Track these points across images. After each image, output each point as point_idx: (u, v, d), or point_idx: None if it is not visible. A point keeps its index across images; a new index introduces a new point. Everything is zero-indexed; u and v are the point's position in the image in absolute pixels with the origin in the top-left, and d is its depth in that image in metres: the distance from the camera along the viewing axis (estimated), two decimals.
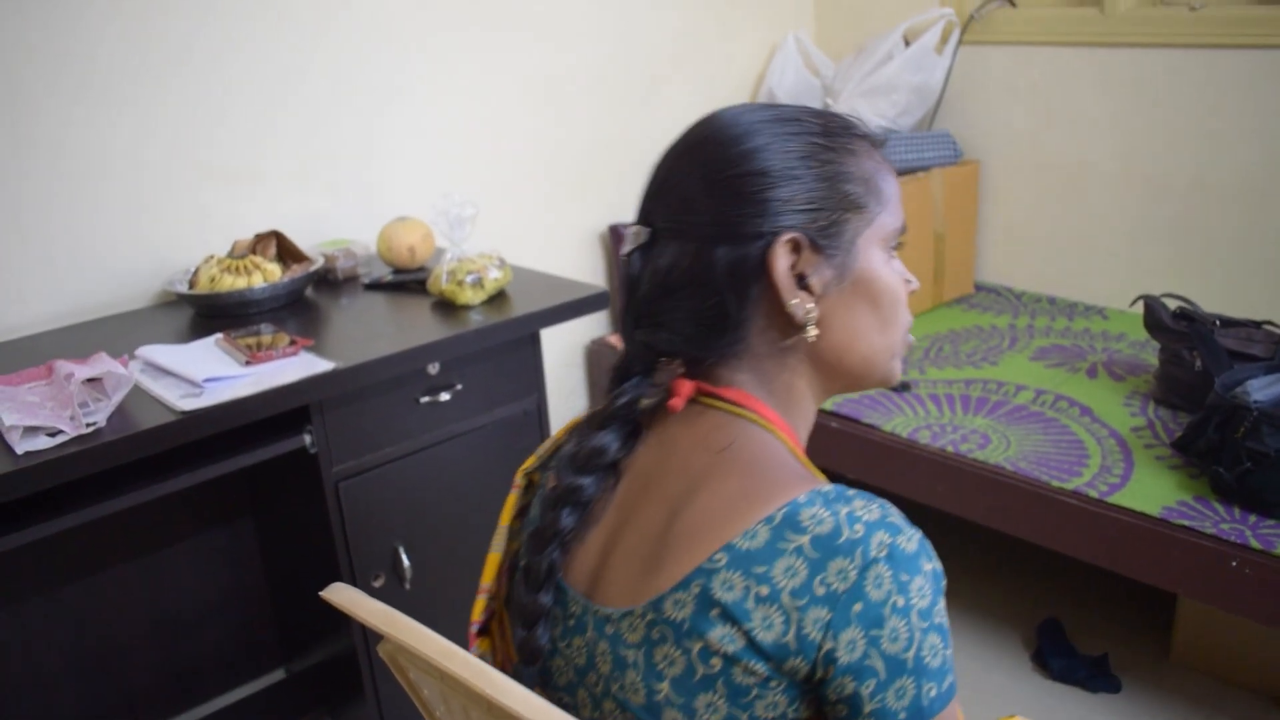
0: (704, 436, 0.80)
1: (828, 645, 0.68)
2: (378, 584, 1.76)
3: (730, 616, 0.70)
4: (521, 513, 0.94)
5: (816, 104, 2.75)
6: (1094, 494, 1.75)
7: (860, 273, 0.81)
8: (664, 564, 0.75)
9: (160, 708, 2.00)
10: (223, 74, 1.99)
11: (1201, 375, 1.90)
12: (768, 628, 0.69)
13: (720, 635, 0.70)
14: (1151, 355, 2.22)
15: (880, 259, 0.83)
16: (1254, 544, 1.57)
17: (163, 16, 1.89)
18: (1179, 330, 1.96)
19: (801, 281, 0.80)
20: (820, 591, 0.68)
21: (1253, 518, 1.64)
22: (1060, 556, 2.06)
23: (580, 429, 0.88)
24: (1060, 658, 1.99)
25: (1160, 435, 1.93)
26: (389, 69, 2.21)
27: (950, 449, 1.94)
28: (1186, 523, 1.64)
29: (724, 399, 0.82)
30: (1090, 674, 1.95)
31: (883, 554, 0.68)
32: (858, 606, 0.68)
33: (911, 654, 0.68)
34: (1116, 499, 1.73)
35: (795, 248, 0.79)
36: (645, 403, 0.86)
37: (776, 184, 0.78)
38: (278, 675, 2.15)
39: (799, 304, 0.79)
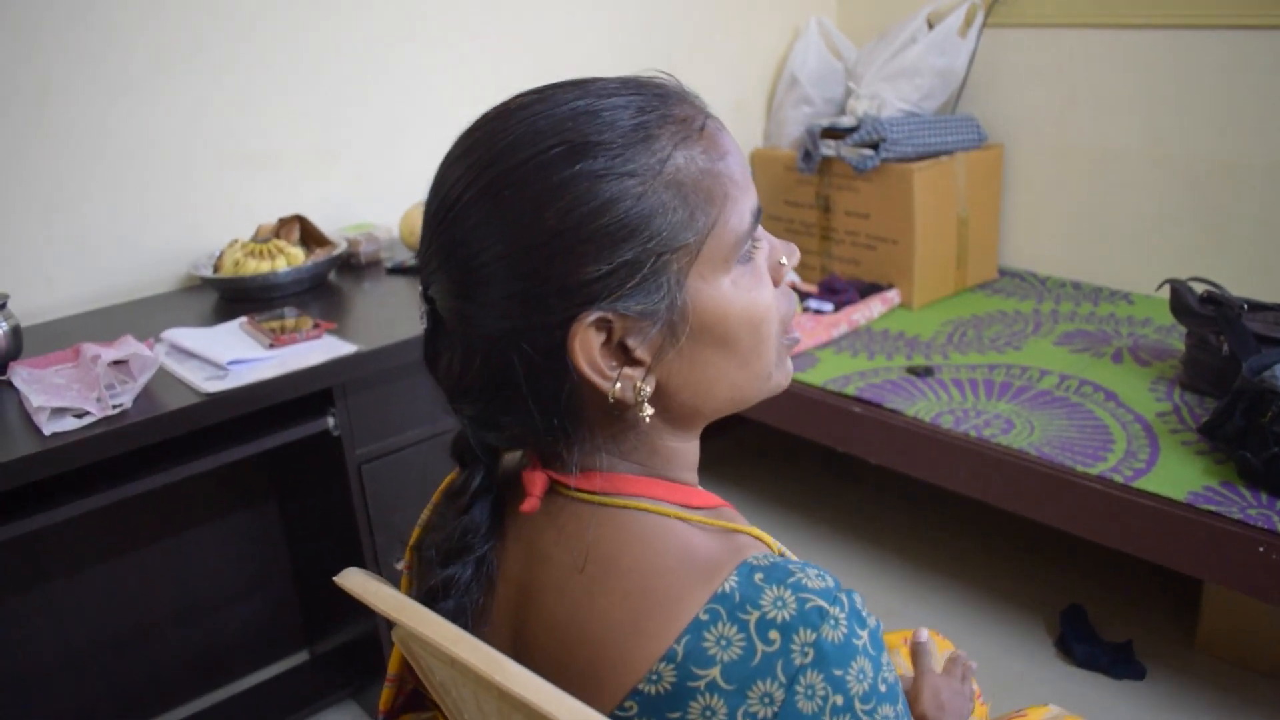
0: (568, 541, 0.70)
1: None
2: (400, 566, 1.76)
3: None
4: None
5: (840, 89, 2.74)
6: (1119, 479, 1.74)
7: (699, 316, 0.67)
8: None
9: (184, 689, 2.02)
10: (244, 59, 1.99)
11: (1228, 360, 1.88)
12: None
13: None
14: (1178, 340, 2.20)
15: (725, 286, 0.67)
16: None
17: (185, 2, 1.90)
18: (1206, 315, 1.94)
19: (625, 353, 0.66)
20: None
21: None
22: (1084, 542, 2.05)
23: (442, 507, 0.78)
24: (1084, 644, 1.97)
25: (1186, 420, 1.91)
26: (411, 53, 2.21)
27: (974, 434, 1.93)
28: (1213, 508, 1.62)
29: (582, 490, 0.70)
30: (1114, 661, 1.94)
31: (809, 659, 0.59)
32: None
33: None
34: (1142, 484, 1.71)
35: (604, 323, 0.65)
36: (505, 465, 0.79)
37: (570, 251, 0.63)
38: (301, 657, 2.16)
39: (624, 386, 0.66)
